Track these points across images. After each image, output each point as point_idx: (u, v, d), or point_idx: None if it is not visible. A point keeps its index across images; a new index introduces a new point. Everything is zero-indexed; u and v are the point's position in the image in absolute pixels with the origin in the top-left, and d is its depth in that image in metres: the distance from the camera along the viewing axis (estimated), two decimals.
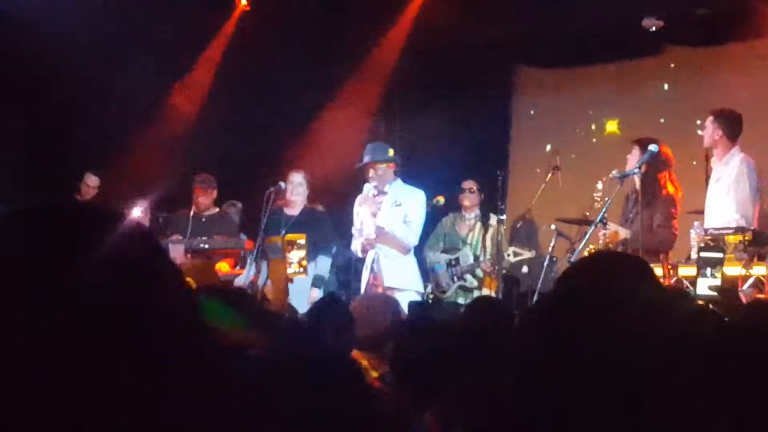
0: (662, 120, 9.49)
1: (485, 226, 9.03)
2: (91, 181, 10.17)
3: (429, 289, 9.12)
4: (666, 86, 10.70)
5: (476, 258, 8.99)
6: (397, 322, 4.62)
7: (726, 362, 1.73)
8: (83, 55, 9.25)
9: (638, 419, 1.46)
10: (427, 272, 9.06)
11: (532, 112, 11.66)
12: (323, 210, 8.94)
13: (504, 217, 9.06)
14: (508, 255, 8.75)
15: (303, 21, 10.54)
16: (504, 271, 8.93)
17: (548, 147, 9.55)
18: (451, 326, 4.25)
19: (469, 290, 8.96)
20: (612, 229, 7.53)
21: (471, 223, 9.26)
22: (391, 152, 8.52)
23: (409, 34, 10.88)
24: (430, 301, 8.81)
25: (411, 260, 8.42)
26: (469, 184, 9.31)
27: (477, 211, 9.24)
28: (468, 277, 9.02)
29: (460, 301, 9.00)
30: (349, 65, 10.99)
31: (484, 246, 9.02)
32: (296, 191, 8.84)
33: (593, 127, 11.11)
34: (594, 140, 11.04)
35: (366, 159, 8.47)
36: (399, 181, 8.51)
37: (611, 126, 10.76)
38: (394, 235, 8.25)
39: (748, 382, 1.72)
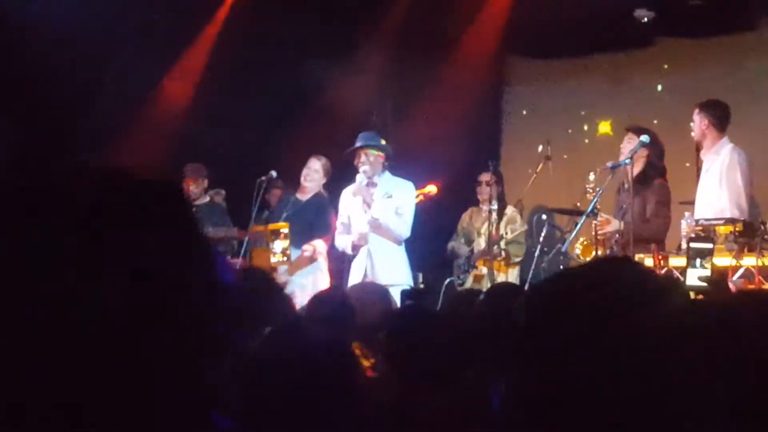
0: (655, 121, 9.44)
1: (499, 216, 9.00)
2: None
3: (448, 281, 9.16)
4: (660, 87, 10.67)
5: (489, 248, 9.02)
6: (389, 310, 4.63)
7: (716, 354, 1.73)
8: (73, 45, 9.22)
9: (634, 417, 1.46)
10: (414, 266, 9.04)
11: (524, 111, 11.62)
12: (326, 198, 8.87)
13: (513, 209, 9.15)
14: (506, 234, 8.78)
15: (296, 11, 10.51)
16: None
17: (540, 148, 9.49)
18: (444, 315, 4.26)
19: (479, 277, 9.02)
20: (604, 219, 7.54)
21: (486, 215, 9.29)
22: (382, 142, 8.42)
23: (402, 25, 10.87)
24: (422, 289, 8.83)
25: (401, 254, 8.31)
26: (485, 176, 9.33)
27: (494, 203, 9.24)
28: (478, 265, 9.10)
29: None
30: (341, 55, 10.97)
31: (494, 237, 9.03)
32: (310, 177, 8.78)
33: (586, 127, 11.08)
34: (587, 141, 10.99)
35: (357, 144, 8.38)
36: (387, 173, 8.37)
37: (604, 127, 10.70)
38: (388, 227, 8.19)
39: (739, 374, 1.72)
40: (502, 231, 9.02)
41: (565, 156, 10.33)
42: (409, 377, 3.15)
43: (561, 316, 1.53)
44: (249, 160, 9.80)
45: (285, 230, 7.96)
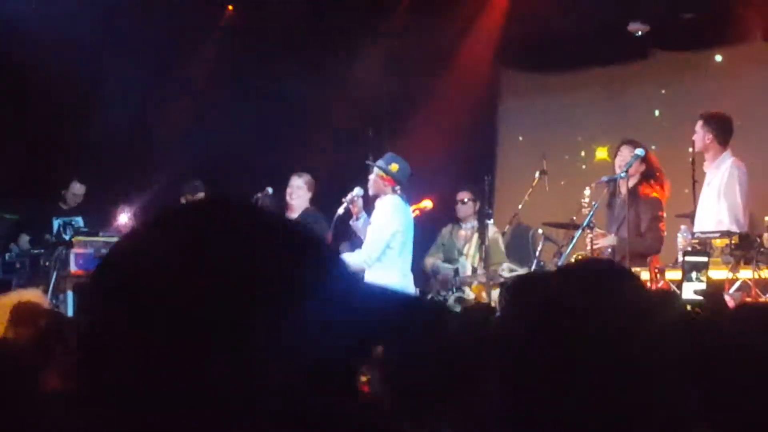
0: (653, 147, 9.35)
1: (482, 237, 8.96)
2: (77, 189, 10.15)
3: (430, 296, 9.11)
4: (657, 112, 10.64)
5: (474, 270, 8.96)
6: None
7: (712, 367, 1.74)
8: (71, 60, 9.23)
9: (623, 426, 1.47)
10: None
11: (520, 138, 11.56)
12: (318, 212, 8.80)
13: (491, 222, 9.07)
14: (503, 270, 8.71)
15: (289, 28, 10.55)
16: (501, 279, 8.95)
17: (537, 174, 9.40)
18: (443, 331, 4.25)
19: (466, 302, 8.97)
20: (599, 233, 7.55)
21: (468, 234, 9.25)
22: (393, 167, 8.03)
23: (395, 41, 10.89)
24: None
25: (400, 283, 7.89)
26: (462, 195, 9.31)
27: (474, 221, 9.23)
28: (466, 289, 9.03)
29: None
30: (335, 72, 10.99)
31: (482, 258, 8.96)
32: (295, 194, 8.77)
33: (583, 153, 11.03)
34: (584, 167, 10.87)
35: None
36: (390, 198, 8.03)
37: (601, 153, 10.56)
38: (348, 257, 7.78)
39: (735, 387, 1.73)
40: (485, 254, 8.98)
41: (562, 182, 10.21)
42: (405, 394, 3.14)
43: (550, 330, 1.54)
44: (245, 176, 9.81)
45: None
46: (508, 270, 8.69)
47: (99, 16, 9.65)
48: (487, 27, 10.24)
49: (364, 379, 3.99)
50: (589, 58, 10.69)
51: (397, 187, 8.04)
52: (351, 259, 7.82)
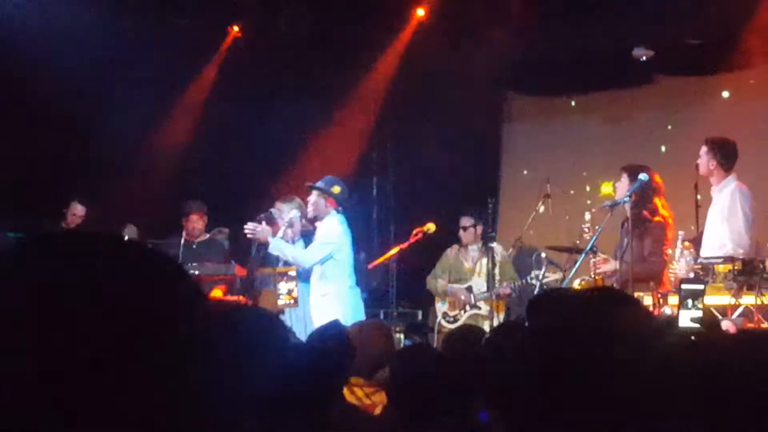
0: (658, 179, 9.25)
1: (491, 256, 9.02)
2: (78, 209, 10.15)
3: (439, 319, 9.21)
4: (663, 148, 10.63)
5: (490, 287, 9.01)
6: (390, 347, 4.64)
7: (714, 394, 1.74)
8: (74, 80, 9.27)
9: None
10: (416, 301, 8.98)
11: (525, 171, 11.52)
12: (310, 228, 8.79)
13: (496, 244, 9.10)
14: (532, 278, 8.72)
15: (294, 50, 10.58)
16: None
17: (541, 208, 9.37)
18: (447, 352, 4.26)
19: (483, 317, 9.03)
20: (602, 258, 7.54)
21: (475, 256, 9.28)
22: (335, 189, 8.22)
23: (401, 63, 10.93)
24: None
25: (338, 299, 8.06)
26: (464, 221, 9.33)
27: (478, 244, 9.27)
28: (482, 304, 9.10)
29: None
30: (340, 94, 11.03)
31: (490, 277, 9.02)
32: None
33: (588, 188, 11.00)
34: (588, 202, 10.78)
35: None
36: (335, 217, 8.23)
37: (606, 188, 10.47)
38: (285, 251, 8.12)
39: (735, 414, 1.73)
40: (497, 271, 9.04)
41: (566, 217, 10.16)
42: (413, 415, 3.15)
43: (553, 354, 1.55)
44: (247, 197, 9.83)
45: (292, 273, 7.99)
46: (537, 277, 8.71)
47: (102, 36, 9.68)
48: (492, 50, 10.25)
49: (368, 402, 4.00)
50: (594, 82, 10.72)
51: (339, 208, 8.26)
52: (291, 251, 8.13)
